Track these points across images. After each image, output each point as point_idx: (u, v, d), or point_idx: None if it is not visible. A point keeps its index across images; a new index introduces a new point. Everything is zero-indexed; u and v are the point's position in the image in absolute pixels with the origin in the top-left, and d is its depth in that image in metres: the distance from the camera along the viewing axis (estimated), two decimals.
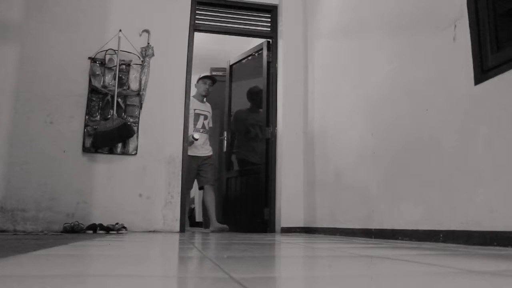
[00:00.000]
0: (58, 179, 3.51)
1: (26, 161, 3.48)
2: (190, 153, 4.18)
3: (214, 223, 4.26)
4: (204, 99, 4.60)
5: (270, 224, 3.99)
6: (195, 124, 4.40)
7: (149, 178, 3.72)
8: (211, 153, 4.57)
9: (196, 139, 4.23)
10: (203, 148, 4.47)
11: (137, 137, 3.75)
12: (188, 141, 4.02)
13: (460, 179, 1.94)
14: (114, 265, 1.08)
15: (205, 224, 5.62)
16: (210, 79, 4.58)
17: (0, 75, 3.58)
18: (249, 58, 4.62)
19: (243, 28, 4.35)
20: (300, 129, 4.03)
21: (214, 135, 5.61)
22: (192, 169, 4.28)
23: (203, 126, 4.51)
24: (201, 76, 4.58)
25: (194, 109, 4.36)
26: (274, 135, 4.14)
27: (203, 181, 4.41)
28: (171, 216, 3.72)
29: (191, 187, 4.35)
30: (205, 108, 4.58)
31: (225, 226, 4.22)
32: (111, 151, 3.67)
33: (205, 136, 4.51)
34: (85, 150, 3.62)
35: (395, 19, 2.62)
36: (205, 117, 4.53)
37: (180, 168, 3.81)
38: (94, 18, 3.86)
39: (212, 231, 4.13)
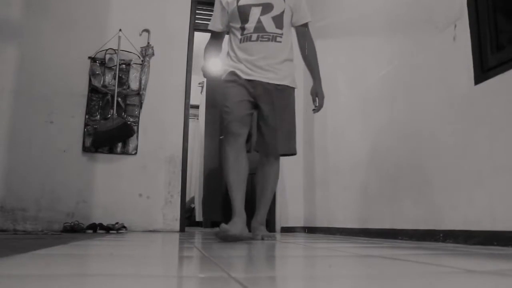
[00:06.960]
0: (58, 178, 3.52)
1: (26, 160, 3.48)
2: (230, 68, 2.35)
3: (262, 218, 2.43)
4: None
5: (270, 223, 3.99)
6: (242, 29, 2.33)
7: (149, 177, 3.73)
8: (287, 83, 2.37)
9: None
10: (261, 69, 2.31)
11: (137, 136, 3.75)
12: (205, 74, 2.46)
13: (460, 178, 1.94)
14: (114, 265, 1.08)
15: (205, 223, 5.59)
16: None
17: (0, 75, 3.58)
18: None
19: None
20: (300, 128, 4.01)
21: (214, 135, 5.59)
22: (234, 98, 2.27)
23: (260, 29, 2.30)
24: None
25: (237, 0, 2.35)
26: None
27: (262, 144, 2.38)
28: (171, 216, 3.72)
29: (248, 126, 2.32)
30: None
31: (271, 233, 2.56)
32: (111, 151, 3.67)
33: (271, 46, 2.33)
34: (85, 149, 3.62)
35: (395, 18, 2.62)
36: (263, 10, 2.31)
37: (180, 167, 3.81)
38: (94, 18, 3.87)
39: (241, 236, 2.11)
